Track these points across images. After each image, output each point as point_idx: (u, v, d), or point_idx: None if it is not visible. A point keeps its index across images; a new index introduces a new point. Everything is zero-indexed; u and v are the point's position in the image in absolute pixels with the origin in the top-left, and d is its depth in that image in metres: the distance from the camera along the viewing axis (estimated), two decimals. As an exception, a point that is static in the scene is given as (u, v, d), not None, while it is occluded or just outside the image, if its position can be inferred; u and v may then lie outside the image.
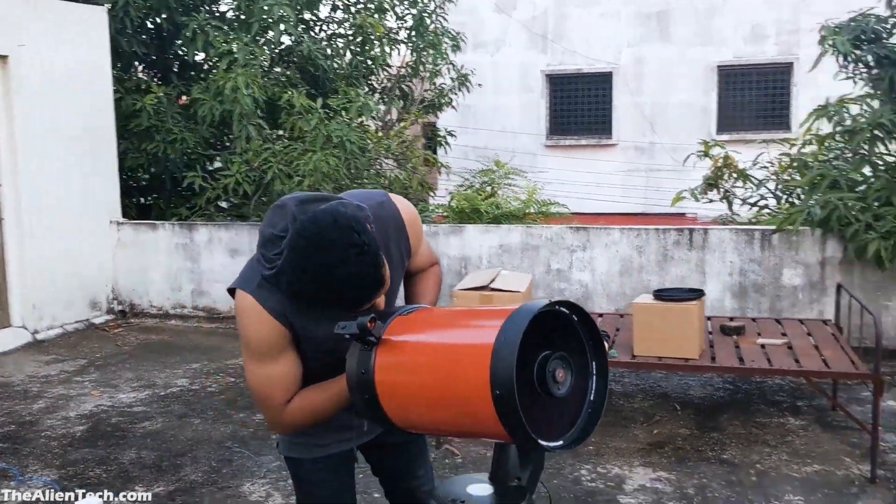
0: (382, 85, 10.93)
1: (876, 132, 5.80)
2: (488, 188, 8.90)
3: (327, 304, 1.84)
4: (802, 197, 7.82)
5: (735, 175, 8.07)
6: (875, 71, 6.15)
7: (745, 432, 4.70)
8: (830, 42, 6.45)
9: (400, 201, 2.19)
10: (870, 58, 6.22)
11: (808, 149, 7.79)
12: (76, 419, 5.17)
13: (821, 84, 13.36)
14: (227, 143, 9.22)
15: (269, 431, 4.86)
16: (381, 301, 2.01)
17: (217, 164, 9.02)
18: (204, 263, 7.79)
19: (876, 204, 5.69)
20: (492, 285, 4.59)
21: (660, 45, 14.46)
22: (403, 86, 11.03)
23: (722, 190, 8.19)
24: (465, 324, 1.80)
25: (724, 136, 13.61)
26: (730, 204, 8.21)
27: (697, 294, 4.44)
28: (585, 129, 15.12)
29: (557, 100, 15.26)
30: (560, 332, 1.67)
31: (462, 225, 7.19)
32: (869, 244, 5.38)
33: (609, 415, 5.02)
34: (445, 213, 8.28)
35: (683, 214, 12.55)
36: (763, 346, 4.63)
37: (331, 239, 1.76)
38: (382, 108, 10.11)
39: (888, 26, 6.33)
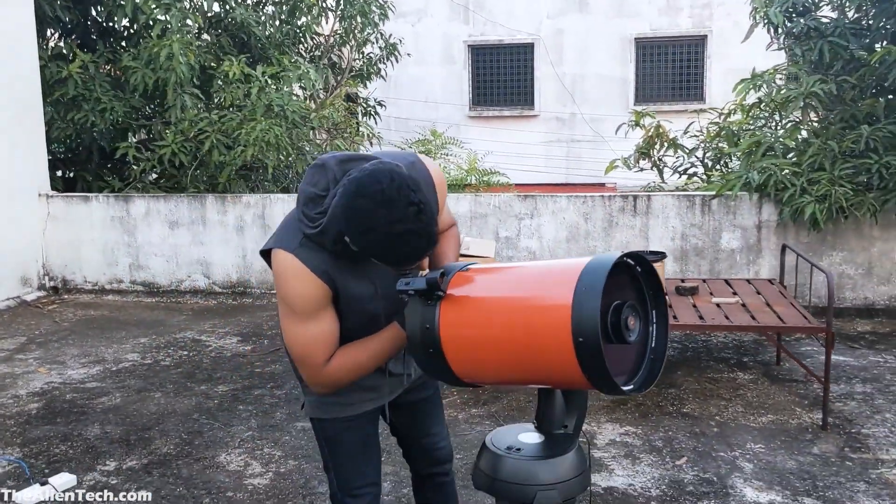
0: (311, 53, 10.79)
1: (808, 101, 6.10)
2: (425, 158, 8.92)
3: (380, 261, 1.87)
4: (731, 164, 8.18)
5: (666, 144, 8.35)
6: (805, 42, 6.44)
7: (699, 387, 4.94)
8: (763, 14, 6.72)
9: (429, 162, 2.24)
10: (798, 30, 6.51)
11: (733, 118, 8.13)
12: (28, 397, 5.00)
13: (732, 56, 13.95)
14: (158, 113, 8.96)
15: (236, 402, 4.84)
16: (425, 260, 2.07)
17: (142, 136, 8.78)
18: (141, 237, 7.58)
19: (809, 169, 6.00)
20: (461, 252, 4.66)
21: (579, 16, 14.70)
22: (332, 55, 10.91)
23: (654, 158, 8.47)
24: (532, 277, 1.85)
25: (640, 107, 14.00)
26: (660, 172, 8.49)
27: (660, 256, 4.61)
28: (508, 100, 15.28)
29: (480, 70, 15.35)
30: (620, 281, 1.75)
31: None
32: (805, 207, 5.68)
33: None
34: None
35: (604, 185, 12.88)
36: (718, 304, 4.85)
37: (391, 197, 1.78)
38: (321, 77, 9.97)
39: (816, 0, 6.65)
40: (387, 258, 1.86)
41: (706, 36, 14.37)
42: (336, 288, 2.00)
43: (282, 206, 7.27)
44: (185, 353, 5.93)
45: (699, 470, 3.87)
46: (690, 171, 8.42)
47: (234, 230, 7.40)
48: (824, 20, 6.57)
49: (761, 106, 7.69)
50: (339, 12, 10.45)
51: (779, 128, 7.59)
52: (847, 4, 6.51)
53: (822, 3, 6.65)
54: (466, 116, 15.17)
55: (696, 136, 8.26)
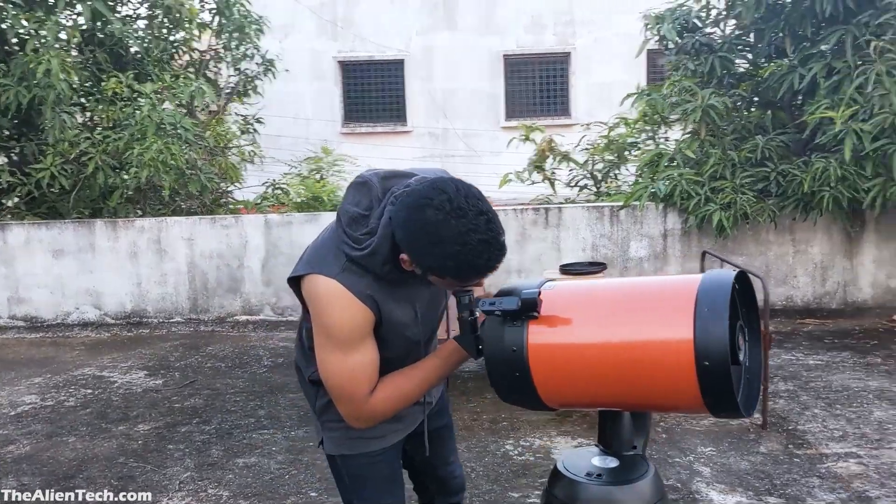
0: (186, 70, 10.32)
1: (706, 113, 6.39)
2: (317, 175, 8.74)
3: (450, 276, 1.76)
4: (619, 176, 8.49)
5: (559, 157, 8.56)
6: (698, 57, 6.76)
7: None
8: (656, 30, 7.02)
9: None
10: (690, 45, 6.83)
11: (616, 131, 8.44)
12: (-81, 452, 4.48)
13: (595, 72, 14.54)
14: (28, 133, 8.30)
15: (163, 441, 4.52)
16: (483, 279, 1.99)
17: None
18: (21, 267, 6.99)
19: (710, 179, 6.28)
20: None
21: (447, 33, 14.85)
22: (207, 71, 10.49)
23: (547, 172, 8.66)
24: (633, 297, 1.79)
25: (513, 122, 14.32)
26: (552, 185, 8.69)
27: (601, 267, 4.69)
28: (380, 116, 15.21)
29: (351, 87, 15.21)
30: None
31: (318, 213, 7.04)
32: (712, 215, 5.95)
33: (507, 390, 5.19)
34: (283, 202, 8.03)
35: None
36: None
37: (460, 206, 1.69)
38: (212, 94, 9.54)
39: (704, 17, 7.00)
40: (459, 273, 1.75)
41: (570, 53, 14.84)
42: (380, 313, 1.88)
43: (179, 229, 6.90)
44: (90, 391, 5.49)
45: (661, 477, 3.93)
46: (581, 183, 8.68)
47: (127, 257, 6.96)
48: (713, 37, 6.93)
49: (644, 119, 8.04)
50: (215, 27, 10.08)
51: (661, 139, 7.95)
52: (729, 23, 6.90)
53: (709, 21, 7.02)
54: (339, 133, 14.98)
55: (586, 149, 8.52)
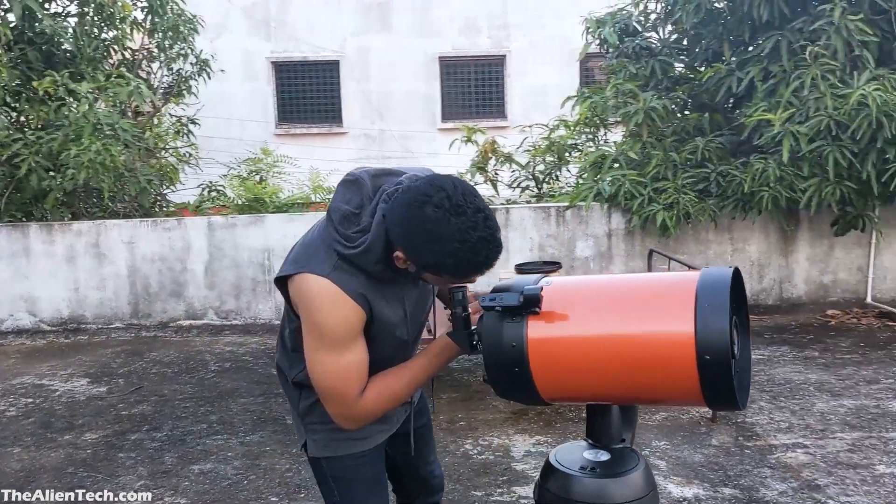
0: (118, 69, 10.04)
1: (647, 116, 6.54)
2: (257, 177, 8.61)
3: (448, 274, 1.77)
4: (560, 177, 8.61)
5: (501, 159, 8.64)
6: (639, 60, 6.92)
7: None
8: (597, 34, 7.15)
9: None
10: (631, 49, 6.98)
11: (556, 133, 8.57)
12: None
13: (529, 74, 14.71)
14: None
15: (113, 450, 4.41)
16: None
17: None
18: (-51, 273, 6.72)
19: (652, 180, 6.42)
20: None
21: (383, 35, 14.81)
22: (140, 71, 10.24)
23: (489, 173, 8.73)
24: (632, 293, 1.80)
25: (450, 124, 14.38)
26: (495, 186, 8.77)
27: (556, 266, 4.76)
28: (315, 118, 15.09)
29: (285, 88, 15.04)
30: None
31: (263, 215, 6.94)
32: (656, 214, 6.09)
33: (461, 390, 5.21)
34: (225, 205, 7.89)
35: None
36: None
37: (458, 204, 1.69)
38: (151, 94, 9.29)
39: (644, 21, 7.16)
40: (457, 270, 1.75)
41: (505, 56, 14.96)
42: (371, 312, 1.87)
43: (119, 232, 6.73)
44: (30, 400, 5.31)
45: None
46: (523, 184, 8.77)
47: (64, 261, 6.75)
48: (651, 41, 7.10)
49: (584, 121, 8.17)
50: (148, 26, 9.84)
51: (601, 141, 8.11)
52: (667, 27, 7.08)
53: (648, 25, 7.18)
54: (273, 134, 14.80)
55: (528, 150, 8.62)
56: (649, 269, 5.72)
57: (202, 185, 9.02)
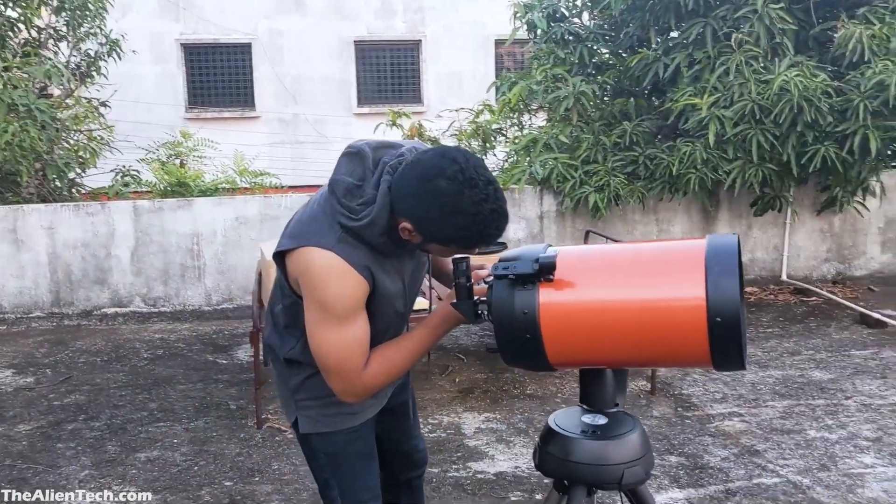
0: (24, 49, 9.57)
1: (577, 100, 6.67)
2: (177, 161, 8.36)
3: (458, 245, 1.79)
4: (485, 161, 8.68)
5: (430, 143, 8.65)
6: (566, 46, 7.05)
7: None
8: (526, 19, 7.25)
9: None
10: (559, 34, 7.11)
11: (481, 118, 8.64)
12: None
13: (444, 59, 14.77)
14: None
15: (50, 440, 4.26)
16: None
17: None
18: None
19: (583, 163, 6.56)
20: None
21: (296, 17, 14.60)
22: (45, 50, 9.77)
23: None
24: (640, 259, 1.84)
25: (365, 109, 14.32)
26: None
27: (503, 245, 4.81)
28: (227, 101, 14.77)
29: (195, 71, 14.67)
30: None
31: (191, 199, 6.76)
32: (588, 196, 6.24)
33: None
34: (141, 190, 7.64)
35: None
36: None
37: (471, 177, 1.72)
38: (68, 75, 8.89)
39: (571, 7, 7.30)
40: (469, 242, 1.78)
41: (421, 40, 14.95)
42: (374, 285, 1.87)
43: (38, 217, 6.45)
44: (-47, 392, 5.07)
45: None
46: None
47: (-21, 248, 6.43)
48: (579, 27, 7.24)
49: (510, 106, 8.27)
50: (55, 3, 9.40)
51: (526, 126, 8.23)
52: (595, 13, 7.23)
53: (576, 11, 7.33)
54: (183, 118, 14.40)
55: (455, 135, 8.66)
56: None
57: (115, 169, 8.71)
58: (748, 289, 7.01)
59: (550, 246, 1.93)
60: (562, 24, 7.14)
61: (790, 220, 6.96)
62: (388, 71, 15.11)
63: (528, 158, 6.72)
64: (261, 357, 4.35)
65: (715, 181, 6.06)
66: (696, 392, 4.79)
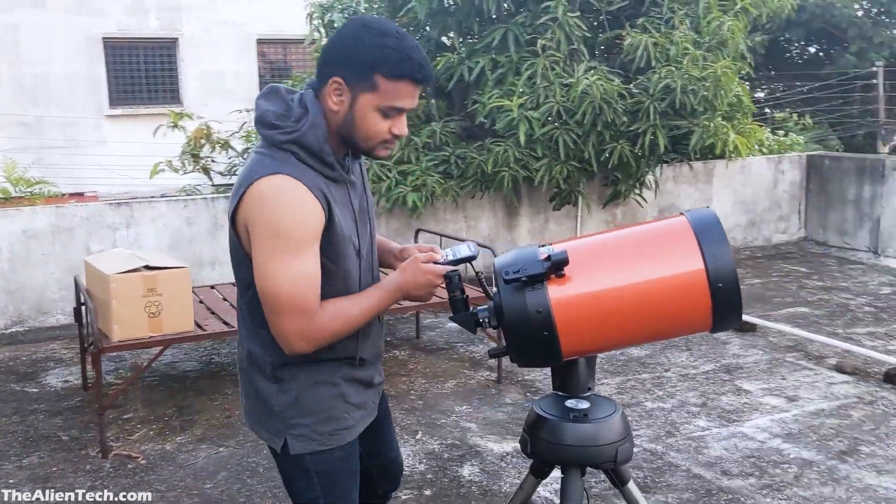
0: None
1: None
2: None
3: (397, 71, 1.79)
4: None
5: (218, 145, 8.33)
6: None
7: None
8: (325, 19, 7.20)
9: None
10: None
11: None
12: None
13: (205, 59, 14.26)
14: None
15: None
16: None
17: None
18: None
19: (396, 163, 6.64)
20: (150, 265, 4.23)
21: (34, 10, 13.43)
22: None
23: (203, 161, 8.37)
24: (634, 243, 1.96)
25: (118, 111, 13.52)
26: (208, 173, 8.45)
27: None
28: (-45, 103, 13.22)
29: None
30: None
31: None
32: (406, 196, 6.34)
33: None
34: None
35: (83, 194, 12.11)
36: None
37: (383, 20, 1.85)
38: None
39: (369, 9, 7.33)
40: (400, 64, 1.78)
41: (177, 39, 14.34)
42: (330, 212, 1.81)
43: None
44: None
45: (440, 438, 4.21)
46: (237, 171, 8.53)
47: None
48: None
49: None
50: None
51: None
52: (398, 16, 7.32)
53: (374, 12, 7.37)
54: None
55: (245, 136, 8.40)
56: (415, 247, 5.94)
57: None
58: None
59: (543, 245, 2.01)
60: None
61: (581, 213, 7.53)
62: (143, 70, 14.30)
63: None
64: (103, 378, 4.03)
65: (525, 178, 6.42)
66: (537, 377, 5.07)
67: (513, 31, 6.44)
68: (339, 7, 7.20)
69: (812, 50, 14.23)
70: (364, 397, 2.06)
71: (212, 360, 5.52)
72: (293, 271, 1.75)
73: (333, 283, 1.87)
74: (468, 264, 2.01)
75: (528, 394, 4.81)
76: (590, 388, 2.12)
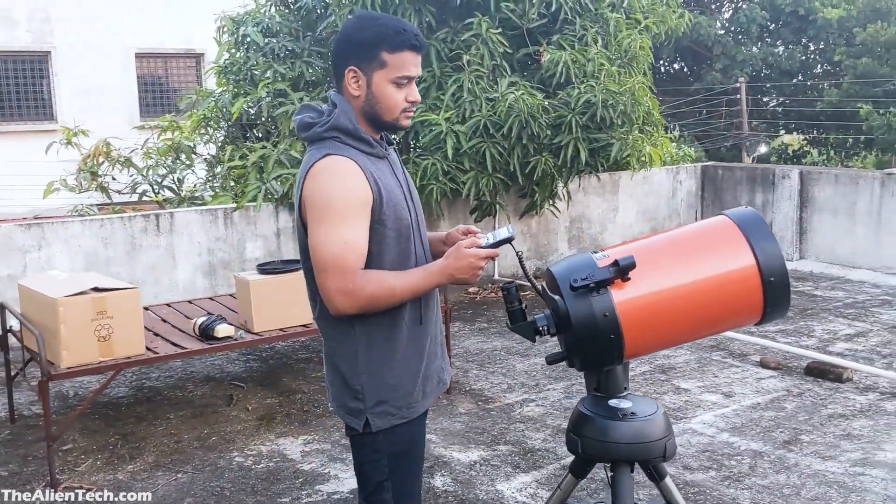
0: None
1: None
2: None
3: (395, 42, 2.02)
4: (185, 180, 8.26)
5: (119, 163, 8.00)
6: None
7: (317, 387, 5.16)
8: (239, 33, 7.05)
9: None
10: (276, 50, 7.02)
11: (167, 135, 8.21)
12: None
13: (81, 73, 13.64)
14: None
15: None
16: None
17: None
18: None
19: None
20: (98, 286, 4.04)
21: None
22: None
23: (101, 179, 8.03)
24: (683, 244, 2.07)
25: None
26: (106, 192, 8.10)
27: (297, 264, 4.71)
28: None
29: None
30: None
31: None
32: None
33: (185, 406, 4.87)
34: None
35: None
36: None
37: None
38: None
39: (282, 25, 7.23)
40: (398, 37, 2.02)
41: (50, 52, 13.66)
42: (379, 190, 2.01)
43: None
44: None
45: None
46: (140, 189, 8.20)
47: None
48: (296, 44, 7.20)
49: (211, 123, 7.99)
50: None
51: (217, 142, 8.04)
52: (318, 31, 7.25)
53: (290, 28, 7.28)
54: None
55: (148, 153, 8.09)
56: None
57: None
58: (470, 289, 7.58)
59: (595, 252, 2.09)
60: (278, 41, 7.08)
61: (498, 223, 7.66)
62: (12, 84, 13.53)
63: (260, 176, 6.56)
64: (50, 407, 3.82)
65: (452, 191, 6.49)
66: (485, 386, 5.14)
67: (435, 47, 6.52)
68: (252, 21, 7.07)
69: (676, 66, 15.00)
70: (441, 373, 2.27)
71: (143, 384, 5.29)
72: (337, 236, 1.94)
73: (392, 250, 2.04)
74: (508, 245, 2.09)
75: (481, 402, 4.87)
76: (625, 388, 2.20)
